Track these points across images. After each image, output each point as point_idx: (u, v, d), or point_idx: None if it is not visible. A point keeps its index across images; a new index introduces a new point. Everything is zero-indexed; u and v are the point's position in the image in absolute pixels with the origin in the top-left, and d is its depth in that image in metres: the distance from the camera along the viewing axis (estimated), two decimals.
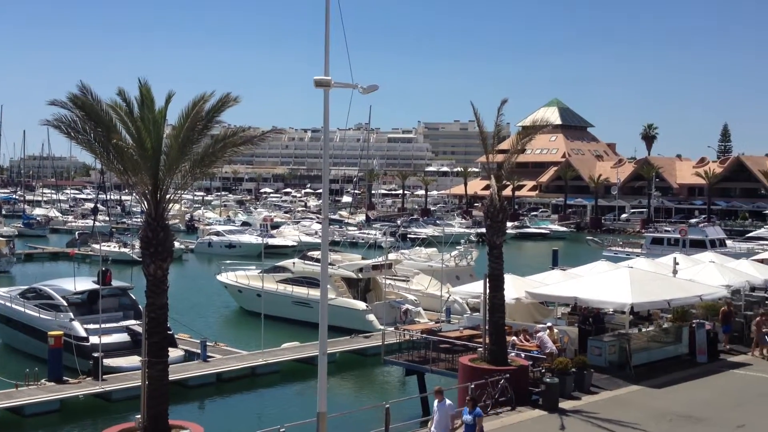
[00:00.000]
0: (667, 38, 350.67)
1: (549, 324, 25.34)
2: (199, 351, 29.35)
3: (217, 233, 76.49)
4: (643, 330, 26.93)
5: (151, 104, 16.14)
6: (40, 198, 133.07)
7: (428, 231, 76.63)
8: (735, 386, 24.08)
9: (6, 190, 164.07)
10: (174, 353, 26.41)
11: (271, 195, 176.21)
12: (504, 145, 29.60)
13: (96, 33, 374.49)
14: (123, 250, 62.40)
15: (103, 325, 27.81)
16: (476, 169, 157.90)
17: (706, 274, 30.98)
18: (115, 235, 71.74)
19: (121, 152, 15.97)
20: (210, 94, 16.22)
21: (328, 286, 28.66)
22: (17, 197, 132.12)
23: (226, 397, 27.47)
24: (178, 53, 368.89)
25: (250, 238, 73.62)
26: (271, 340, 31.74)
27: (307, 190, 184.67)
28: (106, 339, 27.77)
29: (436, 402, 17.17)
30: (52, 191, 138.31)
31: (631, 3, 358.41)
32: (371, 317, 35.37)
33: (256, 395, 28.01)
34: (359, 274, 38.38)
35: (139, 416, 16.16)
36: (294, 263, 40.66)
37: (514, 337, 24.54)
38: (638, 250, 66.45)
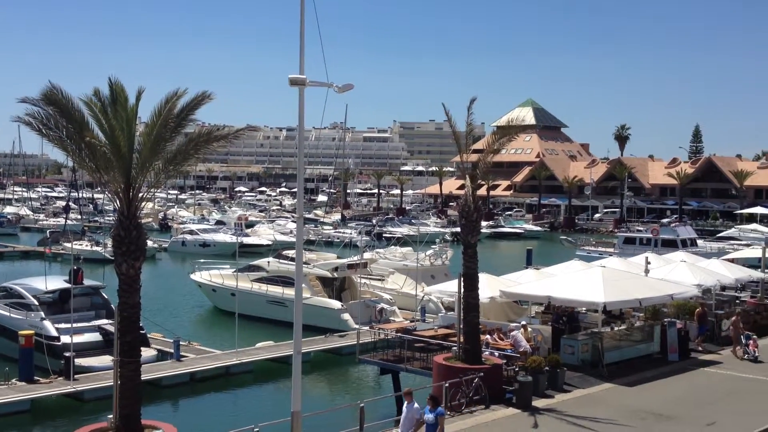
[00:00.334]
0: (640, 39, 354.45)
1: (523, 323, 25.48)
2: (172, 351, 29.16)
3: (191, 232, 75.98)
4: (616, 329, 27.17)
5: (123, 101, 16.01)
6: (10, 196, 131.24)
7: (403, 230, 76.78)
8: (705, 384, 24.39)
9: None
10: (147, 353, 26.23)
11: (246, 194, 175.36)
12: (479, 145, 29.72)
13: (66, 34, 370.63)
14: (95, 248, 61.85)
15: (74, 325, 27.53)
16: (451, 169, 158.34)
17: (677, 274, 31.32)
18: (87, 234, 70.99)
19: (94, 150, 15.82)
20: (183, 91, 16.12)
21: (303, 286, 28.62)
22: None
23: (199, 397, 27.31)
24: (150, 53, 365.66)
25: (225, 236, 73.25)
26: (246, 339, 31.60)
27: (283, 189, 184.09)
28: (78, 338, 27.50)
29: (405, 403, 17.14)
30: (23, 189, 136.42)
31: (604, 4, 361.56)
32: (346, 316, 35.35)
33: (230, 395, 27.89)
34: (334, 273, 38.34)
35: (111, 416, 16.02)
36: (269, 262, 40.51)
37: (489, 336, 24.65)
38: (611, 250, 67.05)
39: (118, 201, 16.10)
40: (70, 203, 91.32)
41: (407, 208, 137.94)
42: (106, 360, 26.18)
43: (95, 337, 28.82)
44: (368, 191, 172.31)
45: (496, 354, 23.18)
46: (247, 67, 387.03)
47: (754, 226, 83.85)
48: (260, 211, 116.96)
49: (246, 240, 68.56)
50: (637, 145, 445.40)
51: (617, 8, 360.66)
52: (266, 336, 33.19)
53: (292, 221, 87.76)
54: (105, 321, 29.37)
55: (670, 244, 63.51)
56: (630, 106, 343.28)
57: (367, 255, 42.41)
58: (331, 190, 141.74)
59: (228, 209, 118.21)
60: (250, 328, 34.54)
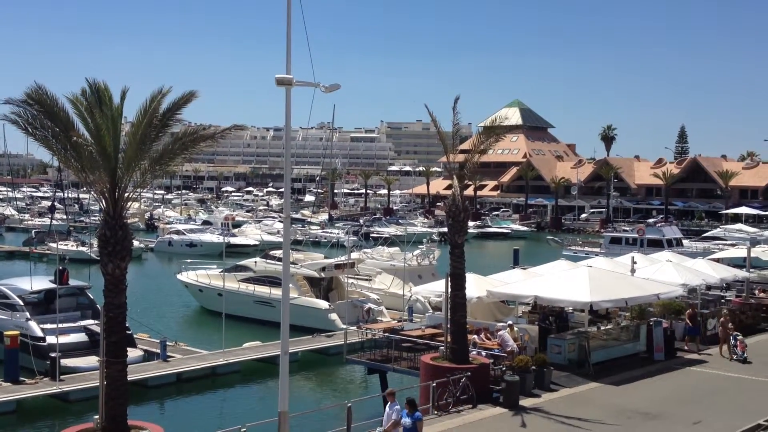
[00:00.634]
0: (626, 41, 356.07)
1: (510, 322, 25.54)
2: (158, 351, 29.04)
3: (178, 232, 75.71)
4: (602, 328, 27.28)
5: (108, 100, 15.93)
6: None
7: (391, 230, 76.81)
8: (691, 383, 24.54)
9: None
10: (133, 353, 26.13)
11: (233, 194, 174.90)
12: (466, 145, 29.79)
13: (50, 34, 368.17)
14: (81, 248, 61.49)
15: (60, 325, 27.37)
16: (439, 169, 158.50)
17: (663, 273, 31.48)
18: (72, 234, 70.58)
19: (79, 149, 15.73)
20: (168, 89, 16.04)
21: (291, 286, 28.60)
22: None
23: (186, 398, 27.21)
24: (136, 53, 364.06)
25: (212, 237, 73.00)
26: (233, 339, 31.52)
27: (270, 189, 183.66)
28: (64, 339, 27.35)
29: (388, 403, 17.13)
30: (8, 189, 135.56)
31: (589, 5, 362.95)
32: (333, 316, 35.32)
33: (217, 395, 27.80)
34: (322, 273, 38.28)
35: (97, 417, 15.93)
36: (256, 262, 40.42)
37: (476, 336, 24.69)
38: (597, 250, 67.31)
39: (103, 201, 16.00)
40: (56, 203, 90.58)
41: (394, 208, 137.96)
42: (92, 360, 26.05)
43: (81, 337, 28.66)
44: (355, 191, 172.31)
45: (483, 353, 23.22)
46: (234, 66, 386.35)
47: (739, 226, 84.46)
48: (247, 211, 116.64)
49: (233, 240, 68.41)
50: (624, 146, 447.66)
51: (604, 9, 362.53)
52: (253, 336, 33.10)
53: (280, 221, 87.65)
54: (91, 321, 29.20)
55: (656, 244, 63.86)
56: (616, 106, 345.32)
57: (354, 255, 42.39)
58: (319, 190, 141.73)
59: (215, 209, 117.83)
60: (237, 328, 34.48)
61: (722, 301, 35.69)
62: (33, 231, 75.65)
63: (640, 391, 23.03)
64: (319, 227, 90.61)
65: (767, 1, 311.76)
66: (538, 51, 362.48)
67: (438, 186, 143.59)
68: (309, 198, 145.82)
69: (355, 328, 30.10)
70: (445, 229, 24.90)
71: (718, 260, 42.41)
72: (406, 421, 16.40)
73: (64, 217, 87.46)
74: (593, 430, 19.32)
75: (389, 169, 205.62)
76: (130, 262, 16.19)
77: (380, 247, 53.02)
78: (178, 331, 36.67)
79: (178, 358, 29.37)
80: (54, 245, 55.91)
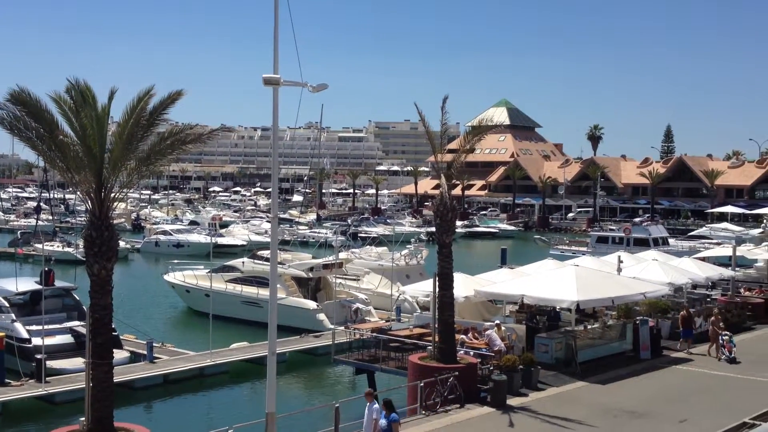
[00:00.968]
0: (613, 41, 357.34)
1: (497, 322, 25.61)
2: (145, 352, 28.90)
3: (165, 232, 75.37)
4: (589, 327, 27.37)
5: (92, 101, 15.85)
6: None
7: (379, 230, 76.84)
8: (677, 382, 24.65)
9: None
10: (119, 354, 25.99)
11: (221, 194, 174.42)
12: (454, 145, 29.88)
13: (50, 34, 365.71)
14: (67, 249, 61.12)
15: (46, 327, 27.18)
16: (426, 169, 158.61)
17: (649, 272, 31.62)
18: (58, 235, 70.25)
19: (64, 150, 15.65)
20: (152, 87, 15.98)
21: (278, 286, 28.49)
22: None
23: (173, 399, 27.09)
24: (122, 53, 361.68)
25: (199, 237, 72.78)
26: (220, 340, 31.42)
27: (257, 189, 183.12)
28: (49, 340, 27.18)
29: (368, 404, 17.12)
30: None
31: (576, 4, 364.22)
32: (321, 316, 35.27)
33: (205, 396, 27.70)
34: (309, 274, 38.23)
35: (83, 419, 15.86)
36: (243, 263, 40.32)
37: (464, 335, 24.73)
38: (584, 249, 67.60)
39: (89, 201, 15.93)
40: (42, 204, 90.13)
41: (382, 207, 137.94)
42: (78, 362, 25.91)
43: (67, 339, 28.53)
44: (343, 191, 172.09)
45: (471, 353, 23.26)
46: (221, 66, 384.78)
47: (724, 225, 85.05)
48: (235, 212, 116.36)
49: (220, 240, 68.18)
50: (610, 145, 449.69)
51: (591, 10, 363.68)
52: (241, 337, 33.00)
53: (267, 221, 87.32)
54: (77, 323, 29.06)
55: (642, 243, 64.12)
56: (603, 106, 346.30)
57: (342, 255, 42.36)
58: (306, 190, 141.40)
59: (202, 209, 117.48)
60: (224, 329, 34.36)
61: (708, 299, 35.89)
62: (18, 232, 75.14)
63: (627, 390, 23.13)
64: (306, 227, 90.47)
65: (755, 0, 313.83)
66: (526, 51, 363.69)
67: (426, 186, 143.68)
68: (297, 198, 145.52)
69: (343, 328, 30.09)
70: (433, 229, 24.93)
71: (703, 259, 42.69)
72: (382, 422, 16.41)
73: (50, 217, 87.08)
74: (580, 429, 19.39)
75: (377, 168, 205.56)
76: (117, 263, 16.15)
77: (368, 246, 53.05)
78: (164, 332, 36.50)
79: (165, 359, 29.23)
80: (40, 246, 55.69)
